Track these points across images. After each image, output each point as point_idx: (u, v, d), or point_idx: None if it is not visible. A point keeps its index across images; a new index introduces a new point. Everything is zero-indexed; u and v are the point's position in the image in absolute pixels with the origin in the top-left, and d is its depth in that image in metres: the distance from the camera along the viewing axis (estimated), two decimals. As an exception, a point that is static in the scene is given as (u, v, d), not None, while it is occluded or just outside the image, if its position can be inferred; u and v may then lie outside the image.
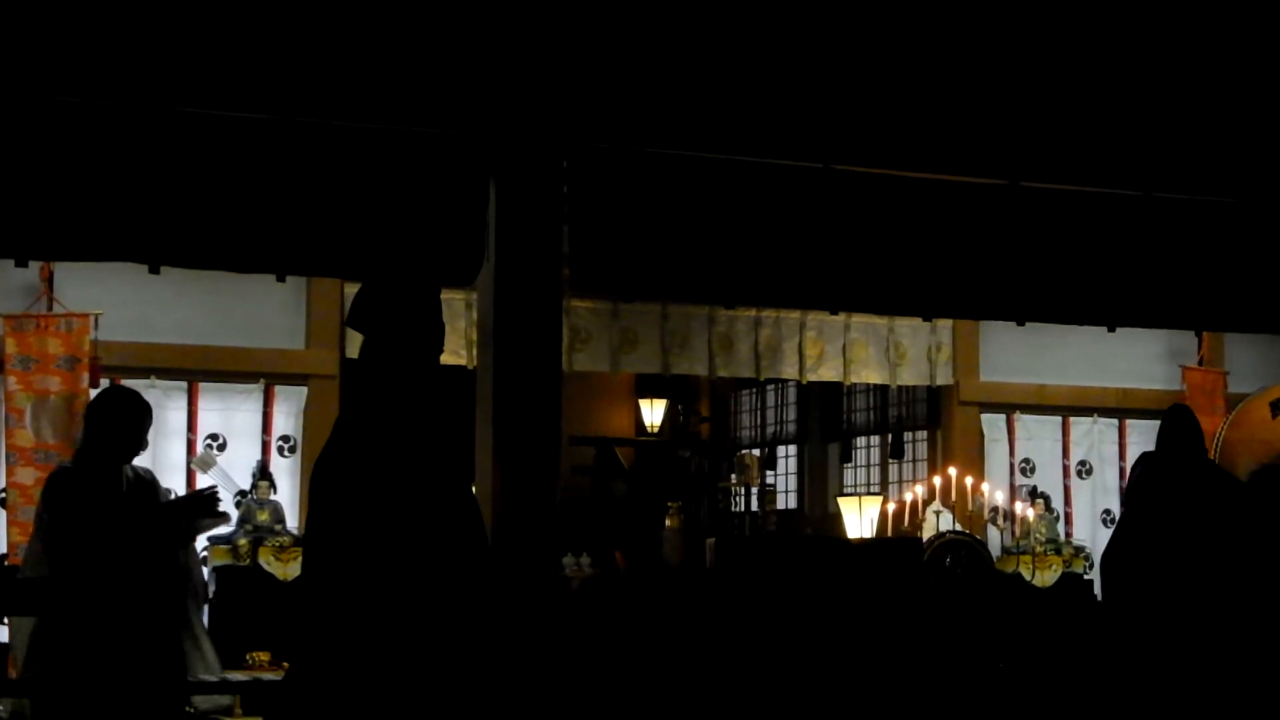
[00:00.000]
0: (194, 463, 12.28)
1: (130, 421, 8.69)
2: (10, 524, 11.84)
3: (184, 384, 12.55)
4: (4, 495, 11.97)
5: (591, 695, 9.12)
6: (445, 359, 12.31)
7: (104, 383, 12.06)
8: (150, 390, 12.32)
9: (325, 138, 8.89)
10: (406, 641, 5.26)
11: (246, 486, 12.32)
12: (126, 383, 12.27)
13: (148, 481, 8.98)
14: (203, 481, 12.17)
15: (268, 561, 11.95)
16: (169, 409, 12.41)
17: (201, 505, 8.82)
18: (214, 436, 12.59)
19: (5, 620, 11.41)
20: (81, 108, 8.54)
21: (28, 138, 8.48)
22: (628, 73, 9.36)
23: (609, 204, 9.43)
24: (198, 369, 12.57)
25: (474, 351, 12.59)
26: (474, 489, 7.73)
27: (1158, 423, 14.65)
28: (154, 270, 9.26)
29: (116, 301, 12.02)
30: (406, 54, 9.01)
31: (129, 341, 12.22)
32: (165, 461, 12.39)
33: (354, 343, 10.32)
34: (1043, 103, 10.19)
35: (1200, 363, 15.18)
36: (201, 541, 12.06)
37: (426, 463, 5.33)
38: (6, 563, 10.57)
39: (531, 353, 9.00)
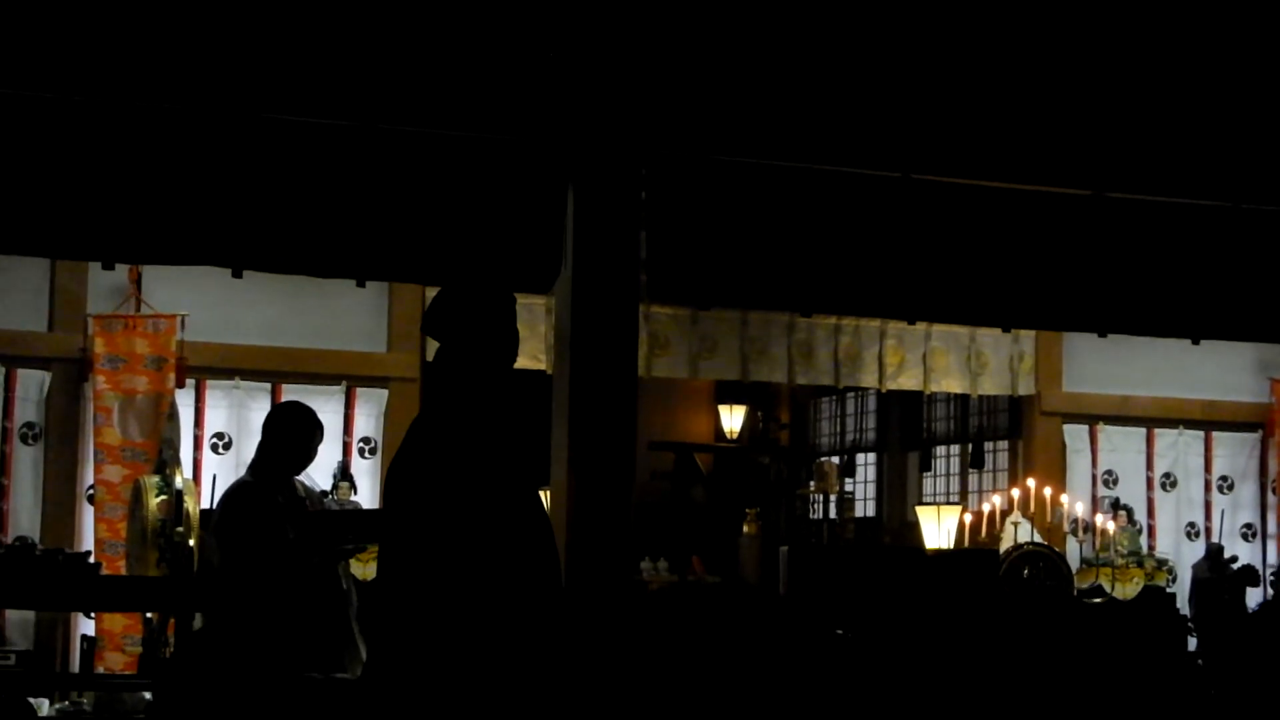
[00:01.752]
0: (276, 463, 12.36)
1: (303, 435, 8.79)
2: (98, 520, 11.98)
3: (268, 385, 12.65)
4: (92, 492, 12.12)
5: (662, 698, 9.14)
6: (524, 363, 12.41)
7: (189, 383, 12.21)
8: (234, 391, 12.48)
9: (406, 144, 8.96)
10: (477, 646, 5.30)
11: (328, 487, 12.40)
12: (211, 383, 12.44)
13: (313, 492, 9.11)
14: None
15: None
16: (253, 410, 12.51)
17: (363, 524, 8.93)
18: (296, 437, 12.67)
19: (91, 615, 11.58)
20: (165, 113, 8.65)
21: (116, 144, 8.60)
22: (707, 80, 9.37)
23: (687, 211, 9.45)
24: (281, 370, 12.68)
25: (552, 356, 12.65)
26: (543, 494, 7.76)
27: (1245, 435, 14.66)
28: (237, 274, 9.37)
29: (203, 303, 12.16)
30: (487, 61, 9.06)
31: (214, 343, 12.36)
32: (248, 461, 12.43)
33: (434, 347, 10.39)
34: (1127, 112, 10.13)
35: (1290, 375, 15.06)
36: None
37: (496, 469, 5.37)
38: (92, 559, 10.70)
39: (607, 358, 9.03)
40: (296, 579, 8.33)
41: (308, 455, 8.82)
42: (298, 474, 8.88)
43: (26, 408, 12.18)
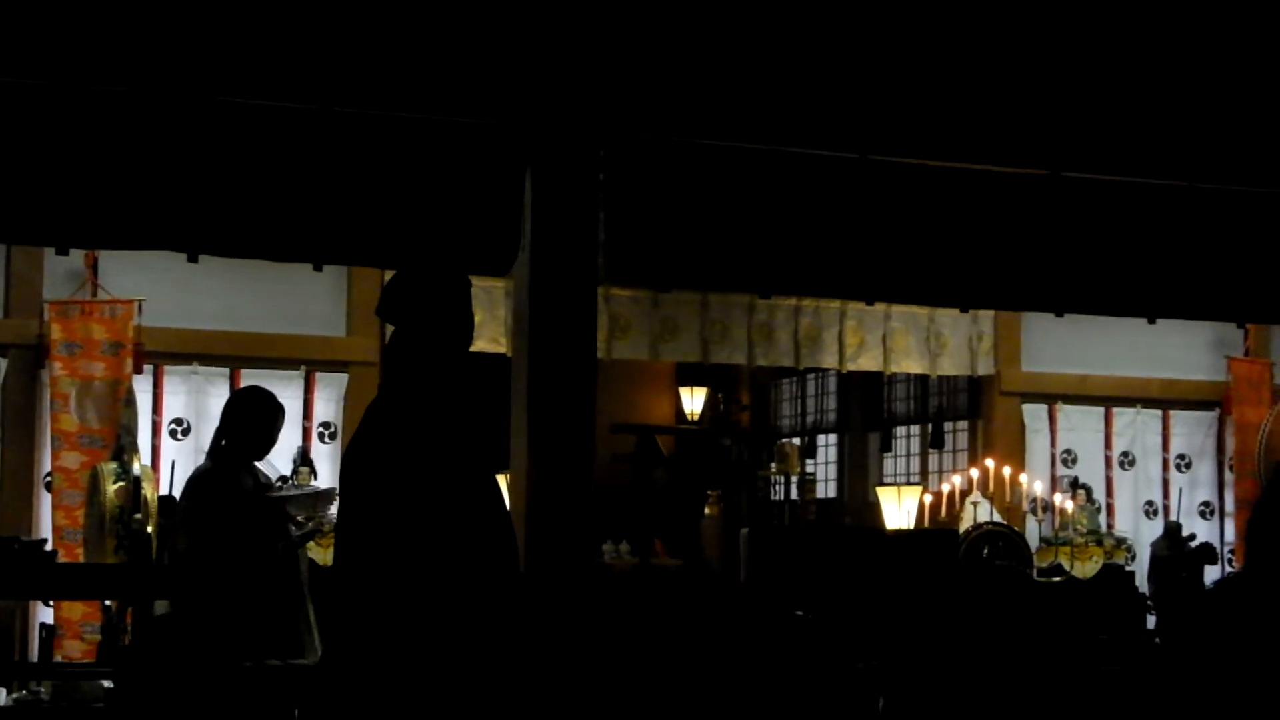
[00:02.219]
0: (235, 449, 12.32)
1: (265, 420, 8.76)
2: (55, 508, 11.93)
3: (226, 370, 12.62)
4: (49, 479, 12.06)
5: (623, 681, 9.14)
6: (483, 346, 12.40)
7: (147, 369, 12.16)
8: (192, 376, 12.44)
9: (361, 127, 8.93)
10: (435, 630, 5.29)
11: (287, 473, 12.38)
12: (169, 369, 12.39)
13: (267, 477, 9.08)
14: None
15: (308, 547, 12.01)
16: (211, 395, 12.48)
17: (319, 503, 8.92)
18: (256, 422, 12.61)
19: (50, 603, 11.53)
20: (120, 97, 8.60)
21: (67, 127, 8.54)
22: (664, 62, 9.36)
23: (645, 193, 9.44)
24: (240, 355, 12.65)
25: (511, 339, 12.63)
26: (503, 478, 7.75)
27: (1202, 414, 14.72)
28: (193, 259, 9.33)
29: (160, 288, 12.10)
30: (442, 43, 9.03)
31: (172, 328, 12.31)
32: (207, 446, 12.46)
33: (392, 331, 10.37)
34: (1082, 92, 10.14)
35: (1246, 354, 15.12)
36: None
37: (453, 452, 5.36)
38: (49, 547, 10.66)
39: (567, 341, 9.02)
40: (262, 565, 8.32)
41: (270, 440, 8.80)
42: (260, 459, 8.85)
43: (-19, 395, 12.13)
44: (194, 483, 8.65)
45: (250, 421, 8.62)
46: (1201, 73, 10.30)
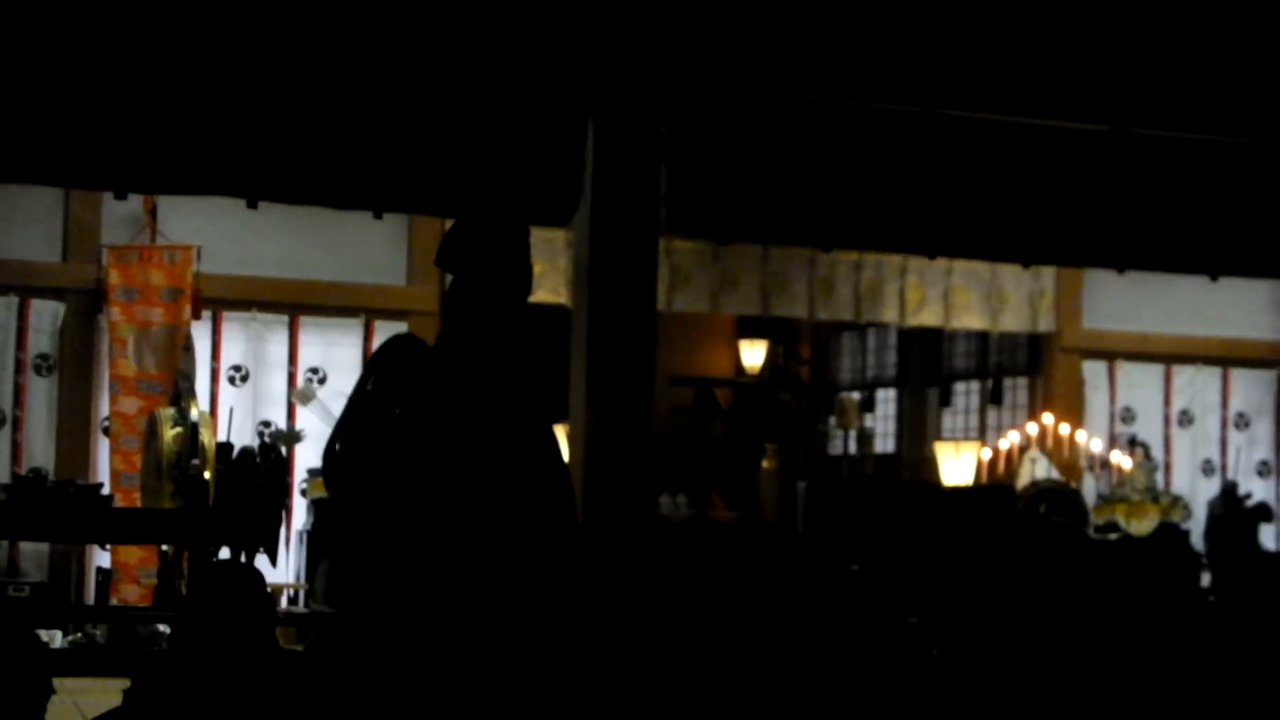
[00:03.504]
0: (294, 396, 12.37)
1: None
2: (113, 452, 11.98)
3: (285, 317, 12.62)
4: (107, 424, 12.11)
5: (679, 633, 9.14)
6: (545, 297, 12.37)
7: (205, 314, 12.18)
8: (251, 323, 12.45)
9: (426, 76, 8.91)
10: (489, 582, 5.27)
11: (347, 420, 12.39)
12: (228, 315, 12.41)
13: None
14: (302, 415, 12.28)
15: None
16: (270, 342, 12.51)
17: None
18: (314, 370, 12.66)
19: (107, 547, 11.59)
20: (183, 43, 8.60)
21: (131, 73, 8.55)
22: (728, 13, 9.31)
23: (708, 145, 9.41)
24: (299, 302, 12.64)
25: (572, 290, 12.62)
26: (561, 429, 7.74)
27: (1262, 372, 14.60)
28: (252, 205, 9.33)
29: (219, 234, 12.11)
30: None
31: (231, 274, 12.31)
32: (266, 393, 12.51)
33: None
34: (1148, 47, 10.05)
35: (1309, 312, 15.01)
36: (300, 474, 12.22)
37: (510, 403, 5.34)
38: (106, 491, 10.71)
39: (627, 292, 9.00)
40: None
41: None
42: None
43: (40, 339, 12.15)
44: None
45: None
46: (1266, 29, 10.19)
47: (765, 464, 16.87)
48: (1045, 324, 14.71)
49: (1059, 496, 12.66)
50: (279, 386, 12.60)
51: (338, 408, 11.51)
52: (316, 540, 12.03)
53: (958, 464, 14.20)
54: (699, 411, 18.62)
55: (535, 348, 5.49)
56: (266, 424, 12.29)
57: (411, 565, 5.27)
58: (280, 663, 4.56)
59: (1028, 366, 15.50)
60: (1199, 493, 14.54)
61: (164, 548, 10.60)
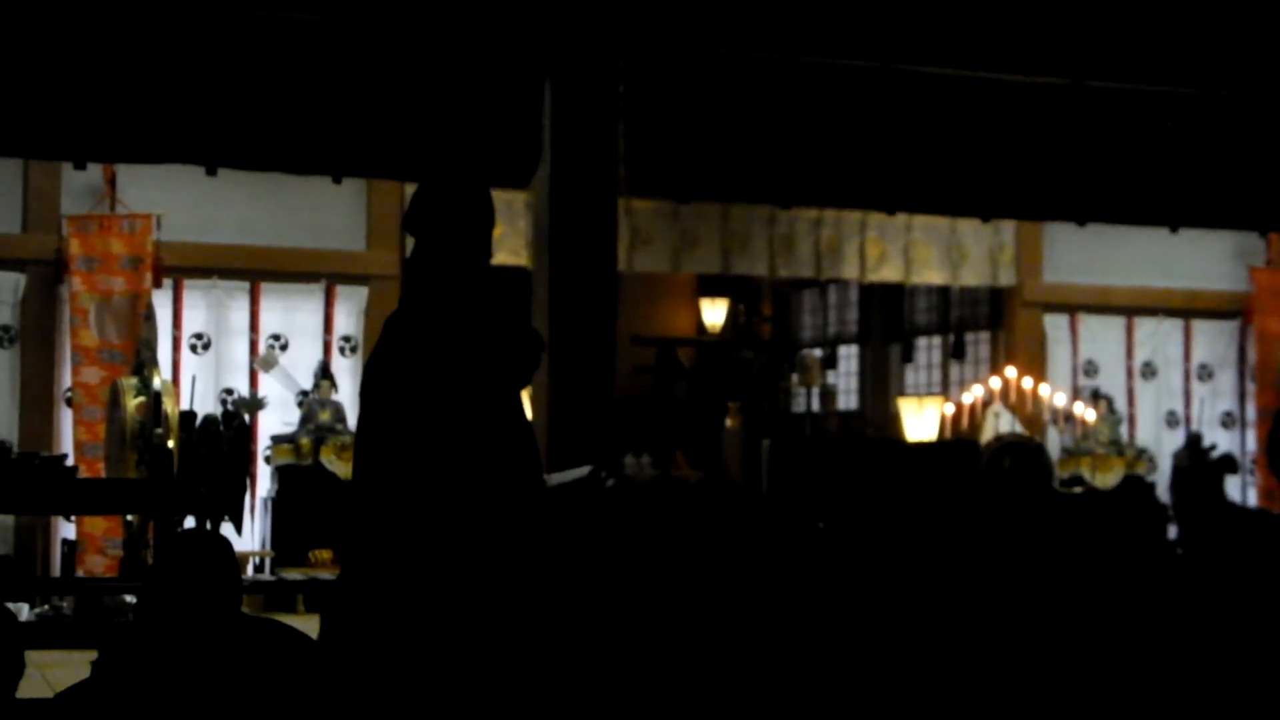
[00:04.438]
0: (257, 363, 12.36)
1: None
2: (76, 423, 11.95)
3: (246, 284, 12.60)
4: (69, 395, 12.08)
5: (644, 593, 9.15)
6: (505, 259, 12.36)
7: (166, 283, 12.15)
8: (212, 290, 12.41)
9: (381, 39, 8.88)
10: (457, 543, 5.28)
11: (309, 386, 12.39)
12: (189, 283, 12.37)
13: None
14: (265, 381, 12.26)
15: (329, 460, 12.04)
16: (231, 309, 12.48)
17: None
18: (276, 336, 12.64)
19: (72, 518, 11.56)
20: (140, 8, 8.55)
21: (88, 40, 8.51)
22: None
23: (666, 104, 9.41)
24: (260, 269, 12.62)
25: (532, 252, 12.61)
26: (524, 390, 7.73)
27: (1224, 323, 14.66)
28: (211, 172, 9.31)
29: (179, 202, 12.07)
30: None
31: (191, 242, 12.28)
32: (228, 361, 12.48)
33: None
34: (1106, 1, 10.05)
35: (1268, 263, 15.03)
36: (263, 441, 12.21)
37: (474, 365, 5.34)
38: (70, 462, 10.68)
39: (587, 252, 9.01)
40: None
41: None
42: None
43: (1, 310, 12.11)
44: None
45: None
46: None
47: (728, 423, 16.88)
48: (1006, 278, 14.74)
49: (1023, 450, 12.69)
50: (241, 354, 12.58)
51: (299, 374, 11.52)
52: (281, 507, 12.05)
53: (921, 420, 14.24)
54: (661, 371, 18.63)
55: (500, 310, 5.49)
56: (229, 391, 12.27)
57: (384, 527, 5.27)
58: (247, 631, 4.56)
59: (989, 321, 15.55)
60: (1163, 445, 14.60)
61: (129, 518, 10.57)
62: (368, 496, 5.33)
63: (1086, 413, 13.88)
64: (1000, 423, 13.40)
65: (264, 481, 12.27)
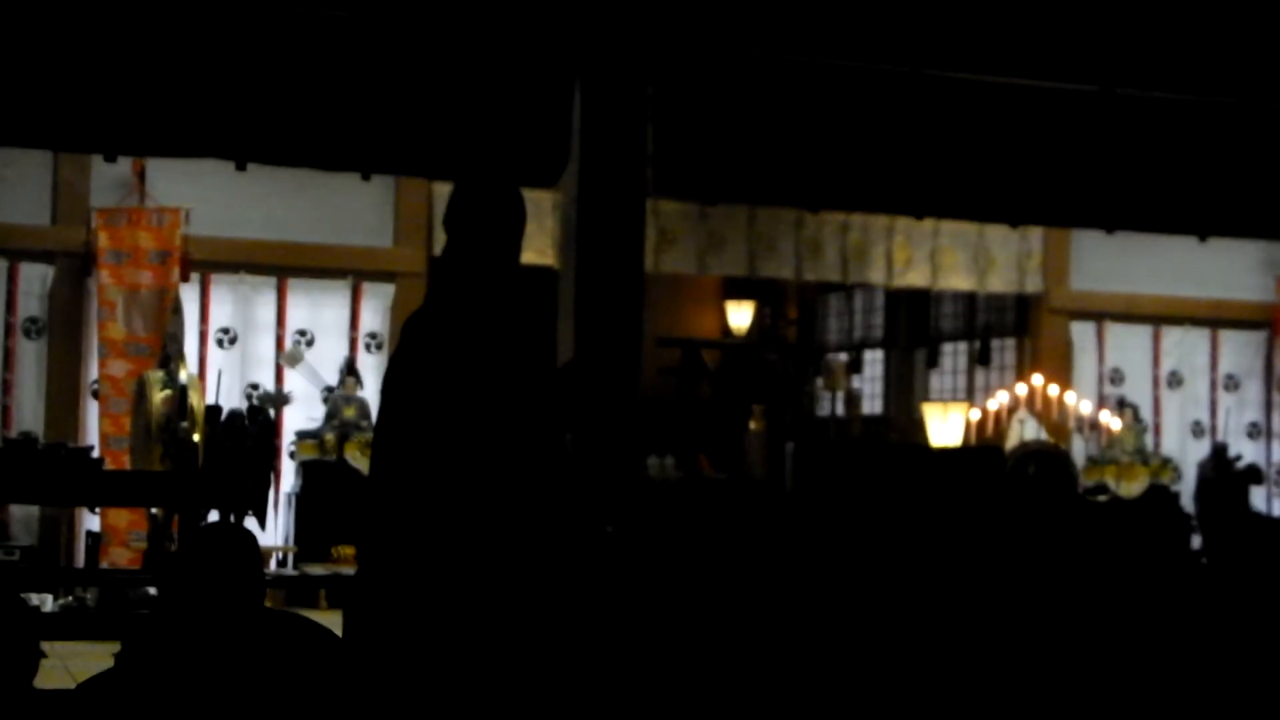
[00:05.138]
0: (282, 358, 12.38)
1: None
2: (102, 415, 11.99)
3: (273, 280, 12.63)
4: (96, 387, 12.11)
5: (667, 594, 9.15)
6: (532, 259, 12.36)
7: (194, 277, 12.18)
8: (239, 285, 12.44)
9: (411, 36, 8.88)
10: (477, 541, 5.28)
11: (334, 382, 12.41)
12: (216, 278, 12.41)
13: None
14: (290, 376, 12.29)
15: (354, 456, 12.05)
16: (258, 304, 12.51)
17: None
18: (302, 332, 12.67)
19: (96, 510, 11.59)
20: (171, 6, 8.57)
21: (118, 34, 8.52)
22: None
23: (695, 105, 9.39)
24: (287, 265, 12.65)
25: (559, 252, 12.61)
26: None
27: (1251, 333, 14.62)
28: (240, 167, 9.32)
29: (208, 197, 12.10)
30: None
31: (219, 237, 12.31)
32: (254, 356, 12.51)
33: (441, 241, 10.37)
34: (1137, 8, 10.03)
35: (1297, 273, 15.02)
36: (288, 436, 12.24)
37: (500, 364, 5.34)
38: (96, 454, 10.71)
39: (614, 253, 9.00)
40: None
41: None
42: None
43: (29, 302, 12.15)
44: None
45: None
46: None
47: (752, 425, 16.86)
48: (1033, 285, 14.71)
49: (1048, 458, 12.67)
50: (267, 349, 12.61)
51: (325, 370, 11.54)
52: (305, 502, 12.07)
53: (945, 425, 14.22)
54: (686, 373, 18.61)
55: (528, 310, 5.50)
56: (255, 386, 12.31)
57: (406, 525, 5.28)
58: (270, 625, 4.56)
59: (1015, 327, 15.51)
60: (1189, 454, 14.57)
61: (153, 511, 10.60)
62: (385, 494, 5.33)
63: (1112, 421, 13.86)
64: (1025, 430, 13.37)
65: (288, 477, 12.30)
